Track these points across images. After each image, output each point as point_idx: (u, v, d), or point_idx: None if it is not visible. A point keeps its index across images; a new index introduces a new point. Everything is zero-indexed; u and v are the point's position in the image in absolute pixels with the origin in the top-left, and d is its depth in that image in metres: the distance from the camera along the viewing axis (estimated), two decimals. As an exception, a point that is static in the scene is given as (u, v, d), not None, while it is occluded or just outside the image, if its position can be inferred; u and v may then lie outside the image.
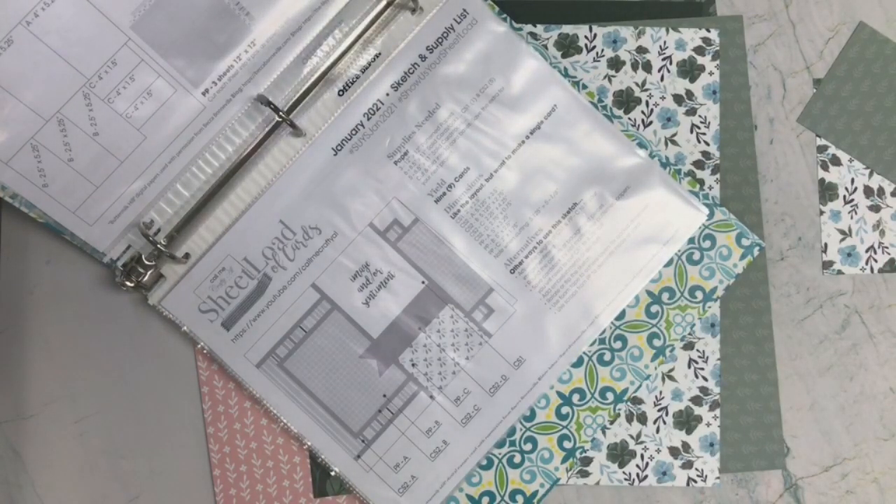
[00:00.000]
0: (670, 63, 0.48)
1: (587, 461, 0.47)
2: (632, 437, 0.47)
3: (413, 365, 0.46)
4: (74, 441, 0.48)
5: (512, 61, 0.46)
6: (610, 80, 0.48)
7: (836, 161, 0.48)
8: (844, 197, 0.48)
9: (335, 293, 0.46)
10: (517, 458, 0.47)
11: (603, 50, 0.48)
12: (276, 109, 0.45)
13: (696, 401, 0.47)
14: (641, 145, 0.47)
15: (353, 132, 0.46)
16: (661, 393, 0.47)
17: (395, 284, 0.46)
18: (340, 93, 0.47)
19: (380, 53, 0.47)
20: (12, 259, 0.48)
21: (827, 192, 0.48)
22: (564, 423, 0.47)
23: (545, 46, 0.48)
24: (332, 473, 0.47)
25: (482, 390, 0.47)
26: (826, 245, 0.48)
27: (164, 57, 0.43)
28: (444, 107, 0.46)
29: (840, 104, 0.48)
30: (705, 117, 0.48)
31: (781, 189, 0.48)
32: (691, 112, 0.48)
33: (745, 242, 0.47)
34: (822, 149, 0.48)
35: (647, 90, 0.48)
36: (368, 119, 0.46)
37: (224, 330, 0.46)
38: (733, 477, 0.48)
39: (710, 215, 0.47)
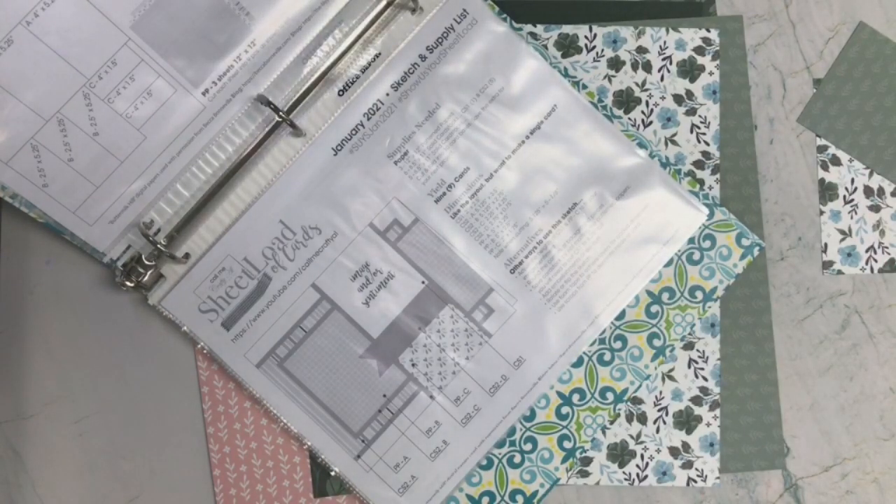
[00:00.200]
0: (670, 63, 0.48)
1: (587, 461, 0.47)
2: (632, 437, 0.47)
3: (413, 365, 0.46)
4: (74, 441, 0.48)
5: (512, 61, 0.46)
6: (610, 80, 0.48)
7: (836, 161, 0.48)
8: (844, 197, 0.48)
9: (335, 293, 0.46)
10: (517, 458, 0.47)
11: (603, 50, 0.48)
12: (276, 109, 0.45)
13: (696, 401, 0.47)
14: (641, 145, 0.47)
15: (353, 132, 0.46)
16: (661, 393, 0.47)
17: (395, 284, 0.46)
18: (340, 93, 0.47)
19: (380, 53, 0.47)
20: (12, 259, 0.48)
21: (827, 192, 0.48)
22: (564, 423, 0.47)
23: (545, 46, 0.48)
24: (332, 473, 0.47)
25: (482, 390, 0.47)
26: (826, 245, 0.48)
27: (164, 57, 0.43)
28: (444, 107, 0.46)
29: (840, 104, 0.48)
30: (705, 117, 0.48)
31: (781, 189, 0.48)
32: (691, 112, 0.48)
33: (745, 242, 0.47)
34: (822, 149, 0.48)
35: (647, 90, 0.48)
36: (368, 119, 0.46)
37: (224, 330, 0.46)
38: (733, 477, 0.48)
39: (710, 215, 0.47)
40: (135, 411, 0.48)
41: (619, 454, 0.47)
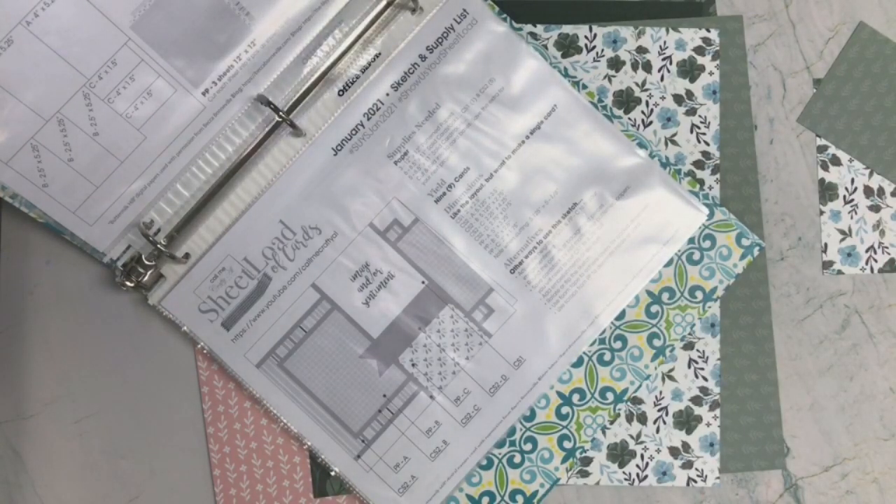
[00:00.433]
0: (670, 63, 0.48)
1: (587, 461, 0.47)
2: (632, 437, 0.47)
3: (413, 365, 0.46)
4: (74, 441, 0.48)
5: (512, 61, 0.46)
6: (610, 80, 0.48)
7: (836, 161, 0.48)
8: (844, 197, 0.48)
9: (335, 293, 0.46)
10: (517, 458, 0.47)
11: (603, 50, 0.48)
12: (276, 109, 0.45)
13: (696, 401, 0.47)
14: (641, 145, 0.47)
15: (353, 132, 0.46)
16: (661, 393, 0.47)
17: (395, 284, 0.46)
18: (340, 93, 0.47)
19: (380, 53, 0.47)
20: (12, 259, 0.48)
21: (827, 192, 0.48)
22: (564, 423, 0.47)
23: (545, 46, 0.48)
24: (332, 473, 0.47)
25: (482, 390, 0.47)
26: (826, 245, 0.48)
27: (164, 57, 0.43)
28: (444, 107, 0.46)
29: (840, 104, 0.48)
30: (705, 117, 0.48)
31: (781, 189, 0.48)
32: (691, 112, 0.48)
33: (745, 242, 0.47)
34: (822, 149, 0.48)
35: (647, 90, 0.48)
36: (368, 119, 0.46)
37: (224, 330, 0.46)
38: (733, 477, 0.48)
39: (710, 215, 0.47)
40: (135, 411, 0.48)
41: (619, 454, 0.47)
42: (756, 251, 0.47)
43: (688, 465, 0.47)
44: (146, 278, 0.46)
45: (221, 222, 0.47)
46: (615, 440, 0.47)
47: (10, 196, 0.43)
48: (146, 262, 0.46)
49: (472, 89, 0.46)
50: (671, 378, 0.47)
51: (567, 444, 0.47)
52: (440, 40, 0.46)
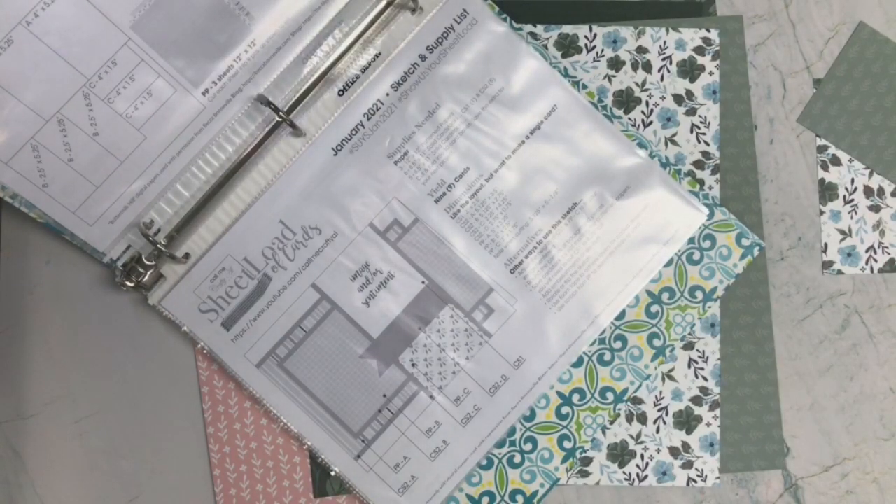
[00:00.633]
0: (670, 63, 0.48)
1: (587, 461, 0.47)
2: (632, 437, 0.47)
3: (413, 365, 0.46)
4: (74, 441, 0.48)
5: (512, 61, 0.46)
6: (610, 80, 0.48)
7: (836, 161, 0.48)
8: (844, 197, 0.48)
9: (335, 293, 0.46)
10: (517, 458, 0.47)
11: (603, 50, 0.48)
12: (276, 109, 0.45)
13: (696, 401, 0.47)
14: (641, 145, 0.47)
15: (353, 132, 0.46)
16: (661, 393, 0.47)
17: (395, 284, 0.46)
18: (340, 93, 0.47)
19: (380, 53, 0.47)
20: (12, 259, 0.48)
21: (827, 192, 0.48)
22: (564, 423, 0.47)
23: (545, 46, 0.48)
24: (332, 473, 0.47)
25: (482, 390, 0.47)
26: (826, 245, 0.48)
27: (164, 57, 0.43)
28: (444, 107, 0.46)
29: (840, 104, 0.48)
30: (705, 117, 0.48)
31: (781, 189, 0.48)
32: (691, 112, 0.48)
33: (745, 242, 0.47)
34: (822, 149, 0.48)
35: (647, 90, 0.48)
36: (368, 119, 0.46)
37: (224, 330, 0.46)
38: (733, 477, 0.48)
39: (710, 215, 0.47)
40: (135, 411, 0.48)
41: (619, 454, 0.47)
42: (756, 251, 0.47)
43: (688, 465, 0.47)
44: (146, 278, 0.46)
45: (221, 222, 0.47)
46: (615, 440, 0.47)
47: (10, 196, 0.43)
48: (146, 262, 0.46)
49: (472, 89, 0.46)
50: (671, 378, 0.47)
51: (567, 444, 0.47)
52: (440, 40, 0.46)
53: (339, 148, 0.46)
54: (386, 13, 0.45)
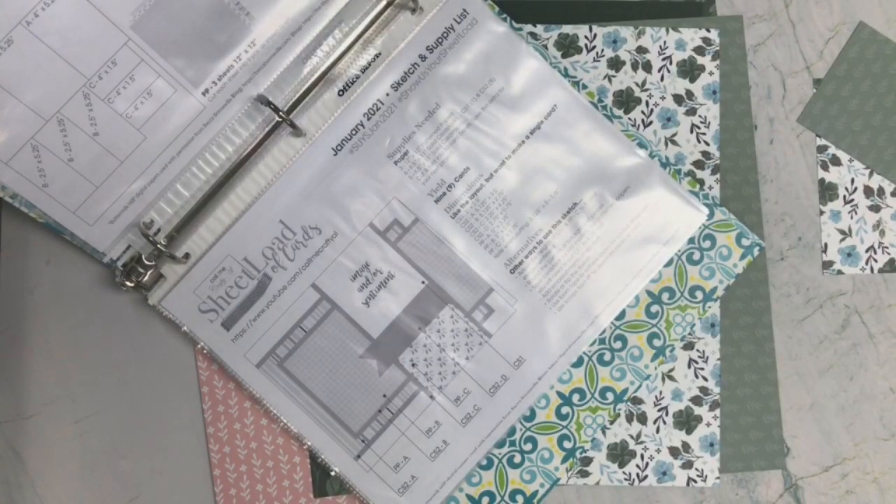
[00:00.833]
0: (670, 63, 0.48)
1: (587, 461, 0.47)
2: (632, 437, 0.47)
3: (413, 365, 0.46)
4: (74, 441, 0.48)
5: (512, 61, 0.46)
6: (610, 80, 0.48)
7: (836, 161, 0.48)
8: (844, 197, 0.48)
9: (335, 293, 0.46)
10: (517, 458, 0.47)
11: (603, 50, 0.48)
12: (276, 109, 0.45)
13: (696, 401, 0.47)
14: (641, 145, 0.47)
15: (353, 132, 0.46)
16: (661, 393, 0.47)
17: (395, 284, 0.46)
18: (340, 93, 0.47)
19: (380, 53, 0.47)
20: (12, 259, 0.48)
21: (827, 192, 0.48)
22: (564, 423, 0.47)
23: (545, 46, 0.48)
24: (332, 473, 0.47)
25: (482, 390, 0.47)
26: (826, 245, 0.48)
27: (164, 57, 0.43)
28: (444, 107, 0.46)
29: (840, 104, 0.48)
30: (705, 117, 0.48)
31: (781, 189, 0.48)
32: (691, 112, 0.48)
33: (745, 242, 0.47)
34: (822, 149, 0.48)
35: (647, 90, 0.48)
36: (368, 119, 0.46)
37: (224, 330, 0.46)
38: (733, 477, 0.48)
39: (710, 215, 0.47)
40: (135, 411, 0.48)
41: (619, 454, 0.47)
42: (756, 251, 0.47)
43: (688, 465, 0.47)
44: (146, 278, 0.46)
45: (221, 222, 0.47)
46: (615, 440, 0.47)
47: (10, 196, 0.43)
48: (146, 262, 0.46)
49: (472, 89, 0.46)
50: (671, 378, 0.47)
51: (567, 444, 0.47)
52: (440, 40, 0.46)
53: (339, 148, 0.46)
54: (386, 13, 0.45)
